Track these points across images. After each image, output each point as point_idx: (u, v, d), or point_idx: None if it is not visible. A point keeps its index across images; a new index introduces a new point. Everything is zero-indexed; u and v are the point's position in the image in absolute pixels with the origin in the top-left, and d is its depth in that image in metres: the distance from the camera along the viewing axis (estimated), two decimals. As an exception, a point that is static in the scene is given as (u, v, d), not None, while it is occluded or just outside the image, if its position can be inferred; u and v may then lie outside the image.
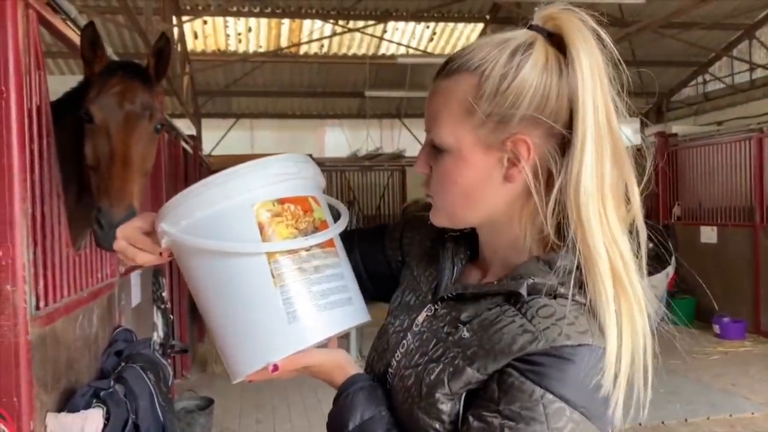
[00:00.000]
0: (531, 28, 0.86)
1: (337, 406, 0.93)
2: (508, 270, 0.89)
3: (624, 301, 0.80)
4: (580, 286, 0.81)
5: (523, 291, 0.82)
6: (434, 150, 0.89)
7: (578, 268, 0.81)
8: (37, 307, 1.87)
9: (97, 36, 2.08)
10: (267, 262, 0.92)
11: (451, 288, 0.95)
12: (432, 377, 0.86)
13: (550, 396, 0.77)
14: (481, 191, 0.88)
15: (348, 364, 0.96)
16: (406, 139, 13.93)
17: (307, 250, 0.94)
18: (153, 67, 2.15)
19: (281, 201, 0.95)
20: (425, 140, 0.93)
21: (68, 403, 2.02)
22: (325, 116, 14.08)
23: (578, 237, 0.81)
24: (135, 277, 3.45)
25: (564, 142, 0.84)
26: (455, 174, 0.88)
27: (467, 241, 1.01)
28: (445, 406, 0.84)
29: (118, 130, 1.99)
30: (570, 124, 0.83)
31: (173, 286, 5.08)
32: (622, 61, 0.86)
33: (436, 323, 0.93)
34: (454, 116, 0.86)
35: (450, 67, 0.87)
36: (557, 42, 0.84)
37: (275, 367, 0.91)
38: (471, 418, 0.81)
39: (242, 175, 0.93)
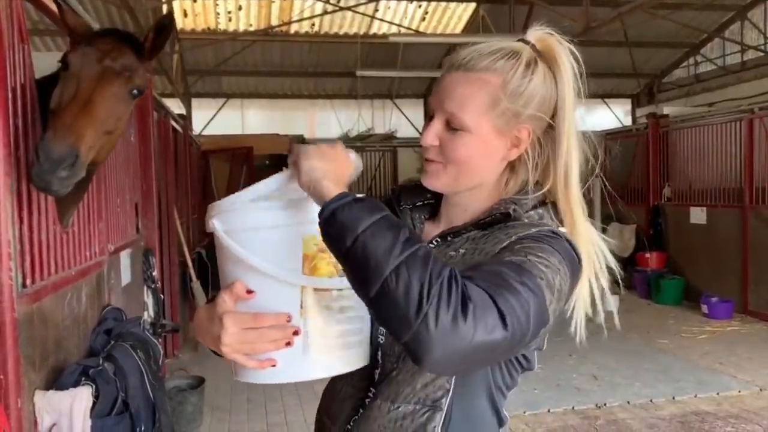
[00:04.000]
0: (523, 42, 1.11)
1: (336, 219, 0.91)
2: (475, 220, 1.11)
3: (585, 229, 1.11)
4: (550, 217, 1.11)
5: (511, 211, 1.07)
6: (447, 127, 1.08)
7: (543, 203, 1.11)
8: (24, 285, 1.85)
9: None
10: (300, 293, 0.98)
11: (441, 232, 1.13)
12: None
13: (546, 246, 0.99)
14: (483, 166, 1.10)
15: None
16: (397, 120, 13.89)
17: (339, 290, 1.00)
18: (150, 41, 2.11)
19: None
20: (437, 116, 1.10)
21: (57, 381, 2.02)
22: (316, 96, 13.99)
23: (560, 190, 1.10)
24: (125, 256, 3.42)
25: (547, 130, 1.11)
26: (470, 151, 1.08)
27: (423, 207, 1.22)
28: None
29: (89, 79, 1.89)
30: (553, 117, 1.11)
31: (163, 265, 5.06)
32: (584, 74, 1.12)
33: None
34: (481, 105, 1.06)
35: (473, 63, 1.08)
36: (545, 58, 1.10)
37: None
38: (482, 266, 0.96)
39: (305, 206, 0.99)
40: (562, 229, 1.08)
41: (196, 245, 6.88)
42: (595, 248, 1.11)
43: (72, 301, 2.33)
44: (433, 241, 1.13)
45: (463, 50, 1.10)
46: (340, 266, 0.95)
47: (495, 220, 1.08)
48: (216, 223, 1.01)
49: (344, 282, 0.94)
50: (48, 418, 1.86)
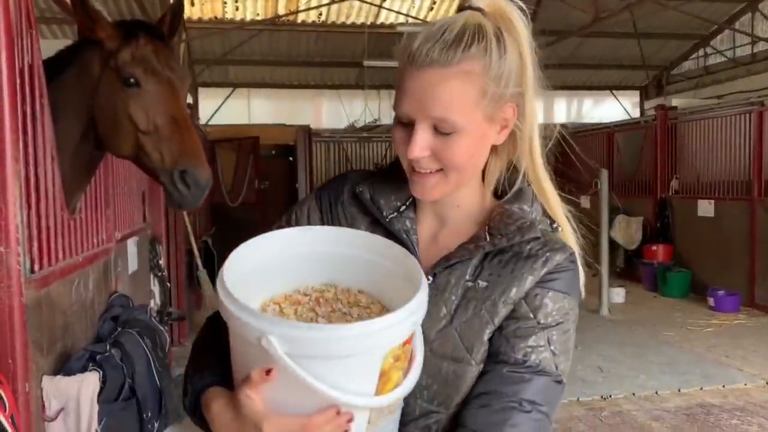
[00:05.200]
0: (472, 9, 1.00)
1: None
2: (471, 217, 1.07)
3: (555, 197, 1.09)
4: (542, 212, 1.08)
5: (538, 233, 1.02)
6: (436, 132, 0.97)
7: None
8: (32, 270, 1.85)
9: None
10: (369, 412, 0.88)
11: (457, 254, 1.03)
12: (471, 333, 0.99)
13: (568, 298, 1.01)
14: (481, 159, 1.04)
15: None
16: (404, 111, 13.81)
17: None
18: (168, 26, 2.13)
19: (406, 341, 0.88)
20: (420, 124, 0.97)
21: (64, 366, 2.02)
22: (322, 86, 13.95)
23: (526, 157, 1.05)
24: (131, 244, 3.43)
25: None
26: (470, 151, 0.99)
27: (408, 208, 1.09)
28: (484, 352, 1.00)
29: (175, 97, 2.06)
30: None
31: (170, 254, 5.07)
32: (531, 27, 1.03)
33: (440, 292, 1.03)
34: (470, 100, 0.96)
35: (446, 56, 0.95)
36: (503, 24, 1.00)
37: None
38: (513, 341, 0.98)
39: (389, 327, 0.82)
40: (568, 241, 1.06)
41: (203, 234, 6.90)
42: (567, 215, 1.09)
43: (79, 287, 2.33)
44: (442, 266, 1.02)
45: (417, 41, 0.96)
46: (405, 365, 0.88)
47: (517, 240, 1.02)
48: (275, 343, 0.79)
49: (408, 387, 0.88)
50: (56, 402, 1.87)
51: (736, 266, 7.22)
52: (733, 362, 5.19)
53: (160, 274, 4.12)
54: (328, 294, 0.98)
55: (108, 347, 2.17)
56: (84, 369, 1.99)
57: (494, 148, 1.05)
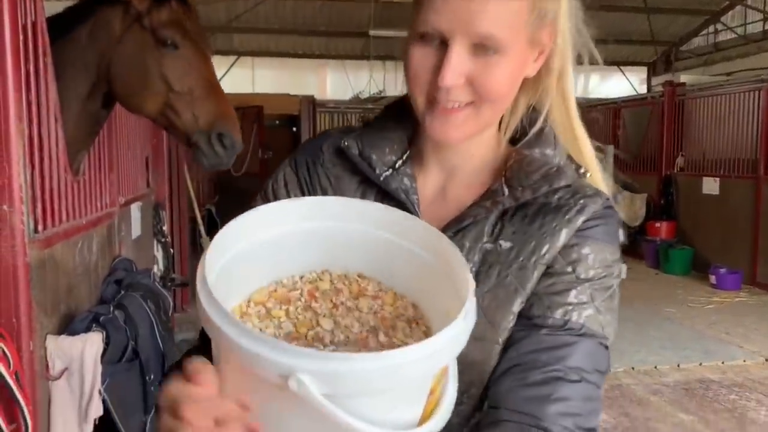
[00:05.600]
0: None
1: None
2: (485, 166, 0.90)
3: (590, 151, 0.93)
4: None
5: (570, 180, 0.86)
6: (474, 54, 0.79)
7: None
8: (36, 230, 1.85)
9: None
10: None
11: (470, 213, 0.85)
12: (496, 304, 0.82)
13: (610, 248, 0.85)
14: (515, 91, 0.86)
15: None
16: (409, 82, 13.72)
17: None
18: None
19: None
20: (457, 43, 0.78)
21: (68, 327, 2.03)
22: (327, 56, 13.84)
23: (557, 105, 0.89)
24: (135, 210, 3.42)
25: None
26: (512, 77, 0.82)
27: (405, 163, 0.91)
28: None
29: (206, 59, 2.18)
30: None
31: (173, 220, 5.08)
32: None
33: None
34: (522, 14, 0.80)
35: None
36: None
37: None
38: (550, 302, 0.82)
39: (454, 338, 0.63)
40: (600, 187, 0.90)
41: (206, 202, 6.91)
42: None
43: (83, 249, 2.33)
44: (454, 228, 0.85)
45: None
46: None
47: (545, 192, 0.85)
48: (310, 385, 0.57)
49: (453, 398, 0.69)
50: (59, 362, 1.88)
51: (739, 244, 7.21)
52: (734, 339, 5.21)
53: (163, 240, 4.12)
54: (323, 284, 0.78)
55: (111, 309, 2.18)
56: (87, 330, 2.00)
57: (522, 83, 0.87)
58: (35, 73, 1.87)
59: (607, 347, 0.82)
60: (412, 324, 0.75)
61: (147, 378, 2.20)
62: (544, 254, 0.83)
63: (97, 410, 1.93)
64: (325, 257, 0.79)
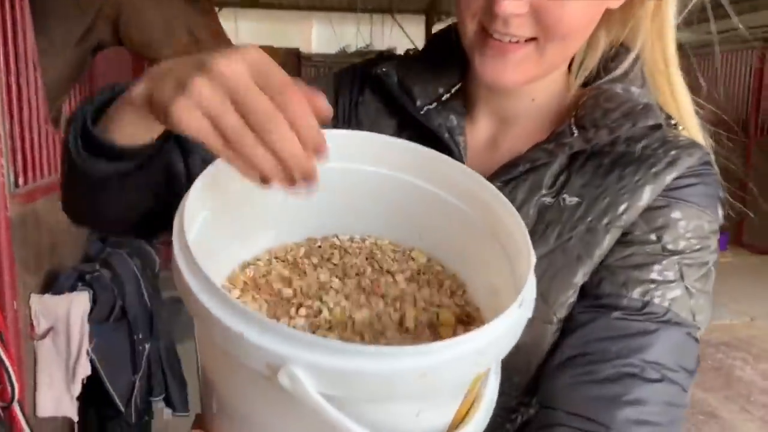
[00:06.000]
0: None
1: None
2: (549, 113, 0.72)
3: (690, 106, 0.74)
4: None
5: (660, 119, 0.67)
6: None
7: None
8: (16, 185, 1.77)
9: None
10: None
11: (528, 156, 0.67)
12: (553, 274, 0.65)
13: (707, 214, 0.67)
14: (591, 28, 0.67)
15: None
16: (397, 37, 13.49)
17: None
18: None
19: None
20: None
21: (52, 285, 1.96)
22: (312, 8, 13.51)
23: (652, 43, 0.71)
24: (118, 164, 3.33)
25: None
26: (588, 11, 0.64)
27: (453, 98, 0.75)
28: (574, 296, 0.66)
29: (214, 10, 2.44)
30: None
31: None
32: None
33: None
34: None
35: None
36: None
37: None
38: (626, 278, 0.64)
39: (510, 328, 0.47)
40: (695, 138, 0.72)
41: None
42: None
43: (66, 205, 2.25)
44: (505, 176, 0.68)
45: None
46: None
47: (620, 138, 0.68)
48: (305, 381, 0.41)
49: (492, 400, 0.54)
50: (45, 321, 1.81)
51: (725, 206, 7.23)
52: (720, 299, 5.25)
53: (148, 195, 4.03)
54: (328, 246, 0.63)
55: (97, 267, 2.11)
56: (73, 288, 1.93)
57: (604, 16, 0.68)
58: (12, 21, 1.76)
59: (697, 340, 0.64)
60: (451, 299, 0.59)
61: (135, 337, 2.14)
62: (621, 215, 0.65)
63: (84, 370, 1.88)
64: (334, 212, 0.62)
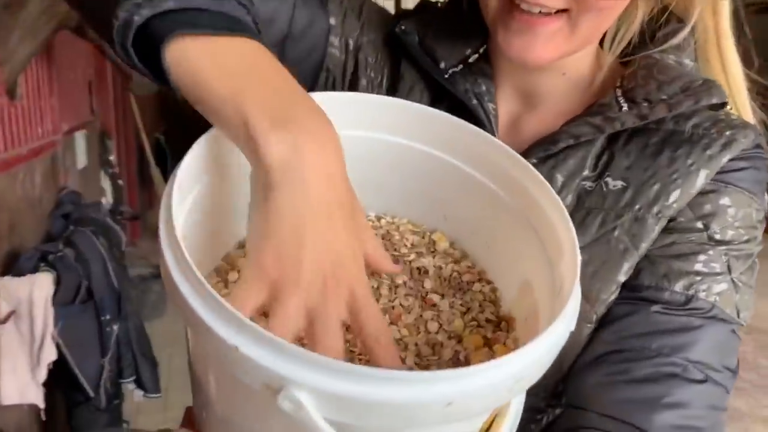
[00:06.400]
0: None
1: None
2: (578, 91, 0.65)
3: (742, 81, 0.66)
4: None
5: (725, 97, 0.60)
6: None
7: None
8: (-30, 161, 1.66)
9: None
10: None
11: (571, 132, 0.59)
12: (595, 268, 0.58)
13: (757, 202, 0.60)
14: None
15: None
16: None
17: None
18: None
19: None
20: None
21: (13, 267, 1.87)
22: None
23: (705, 13, 0.63)
24: (80, 138, 3.19)
25: None
26: None
27: (479, 62, 0.67)
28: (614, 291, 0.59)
29: None
30: None
31: (120, 149, 4.82)
32: None
33: None
34: None
35: None
36: None
37: None
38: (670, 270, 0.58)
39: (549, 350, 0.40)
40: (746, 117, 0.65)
41: (154, 130, 6.60)
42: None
43: (25, 181, 2.14)
44: (542, 152, 0.60)
45: None
46: None
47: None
48: (309, 406, 0.35)
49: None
50: (6, 305, 1.72)
51: None
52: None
53: (111, 170, 3.90)
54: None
55: (61, 246, 2.02)
56: (35, 269, 1.84)
57: None
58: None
59: (739, 338, 0.59)
60: (475, 296, 0.52)
61: (102, 318, 2.06)
62: (673, 203, 0.58)
63: (50, 354, 1.80)
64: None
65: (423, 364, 0.46)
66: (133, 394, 2.24)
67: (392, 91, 0.66)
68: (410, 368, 0.45)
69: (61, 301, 1.86)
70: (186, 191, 0.45)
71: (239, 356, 0.35)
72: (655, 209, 0.58)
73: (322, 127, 0.42)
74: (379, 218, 0.58)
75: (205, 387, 0.45)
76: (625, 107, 0.59)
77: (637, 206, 0.58)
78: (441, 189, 0.54)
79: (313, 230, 0.39)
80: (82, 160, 3.23)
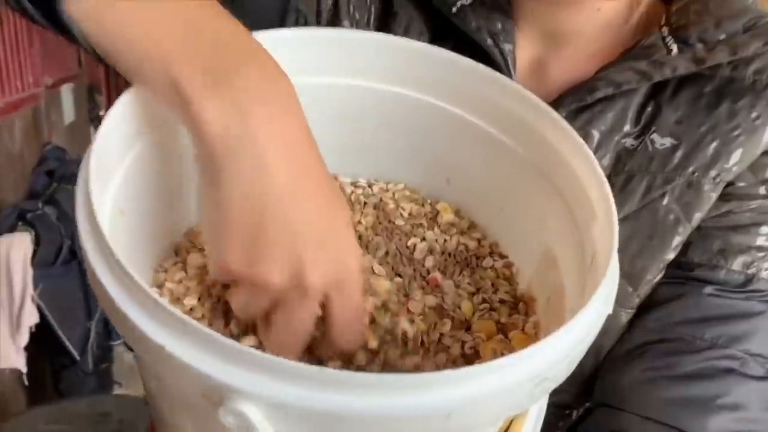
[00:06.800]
0: None
1: None
2: (611, 30, 0.53)
3: None
4: None
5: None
6: None
7: None
8: (-62, 113, 1.56)
9: None
10: None
11: (612, 78, 0.48)
12: (637, 243, 0.49)
13: None
14: None
15: None
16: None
17: None
18: None
19: None
20: None
21: (-11, 226, 1.78)
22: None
23: None
24: (66, 92, 3.08)
25: None
26: None
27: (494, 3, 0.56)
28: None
29: None
30: None
31: (111, 105, 4.69)
32: None
33: None
34: None
35: None
36: None
37: None
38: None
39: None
40: None
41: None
42: None
43: (4, 136, 2.05)
44: (575, 102, 0.50)
45: None
46: None
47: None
48: (254, 418, 0.26)
49: None
50: (-20, 267, 1.64)
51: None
52: None
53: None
54: None
55: (41, 205, 1.92)
56: (12, 228, 1.76)
57: None
58: None
59: None
60: (486, 273, 0.42)
61: (87, 280, 1.98)
62: (733, 166, 0.48)
63: (30, 318, 1.72)
64: (335, 145, 0.41)
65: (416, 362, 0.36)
66: (123, 356, 2.18)
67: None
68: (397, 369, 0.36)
69: (41, 262, 1.77)
70: (116, 162, 0.36)
71: (166, 356, 0.27)
72: (713, 173, 0.47)
73: (273, 80, 0.32)
74: (370, 185, 0.47)
75: (149, 395, 0.36)
76: (674, 49, 0.48)
77: (690, 169, 0.48)
78: (444, 146, 0.44)
79: (276, 216, 0.31)
80: (69, 115, 3.13)
